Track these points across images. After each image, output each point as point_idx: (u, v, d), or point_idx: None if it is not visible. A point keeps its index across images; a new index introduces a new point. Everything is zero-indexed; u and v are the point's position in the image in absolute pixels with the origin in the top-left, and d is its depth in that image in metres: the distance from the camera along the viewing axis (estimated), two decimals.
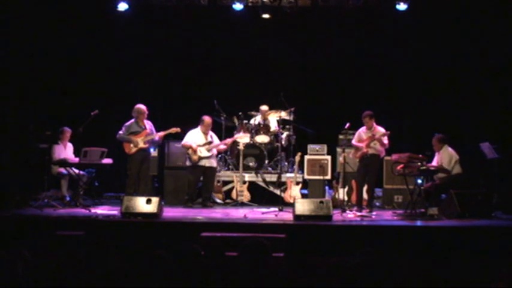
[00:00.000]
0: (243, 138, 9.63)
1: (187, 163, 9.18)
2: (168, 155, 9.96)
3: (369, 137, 8.67)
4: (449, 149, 8.52)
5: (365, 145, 8.64)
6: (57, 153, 8.95)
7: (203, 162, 9.10)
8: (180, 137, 9.43)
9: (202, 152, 9.10)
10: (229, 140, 9.52)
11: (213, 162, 9.26)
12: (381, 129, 8.69)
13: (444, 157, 8.48)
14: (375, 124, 8.72)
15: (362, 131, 8.83)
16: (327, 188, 9.69)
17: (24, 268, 3.40)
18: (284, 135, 9.86)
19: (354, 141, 8.90)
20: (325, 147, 9.68)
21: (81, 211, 8.22)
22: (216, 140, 9.38)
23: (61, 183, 9.08)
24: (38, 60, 9.96)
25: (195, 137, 9.19)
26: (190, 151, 9.09)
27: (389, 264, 3.53)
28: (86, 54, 10.50)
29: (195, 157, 9.06)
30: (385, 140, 8.61)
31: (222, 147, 9.48)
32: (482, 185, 9.06)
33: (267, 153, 9.84)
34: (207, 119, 9.25)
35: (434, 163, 8.61)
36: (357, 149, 8.79)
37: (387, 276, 3.48)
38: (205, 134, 9.24)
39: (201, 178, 9.24)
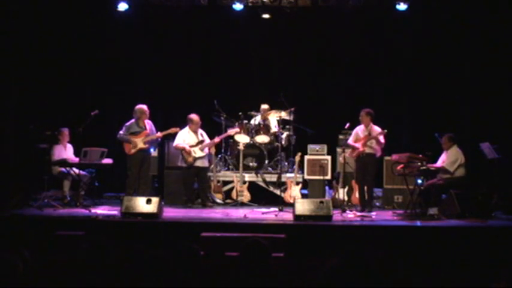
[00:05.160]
0: (233, 133, 9.59)
1: (181, 164, 9.16)
2: (168, 155, 9.96)
3: (365, 136, 8.68)
4: (458, 149, 8.48)
5: (362, 144, 8.64)
6: (57, 153, 8.94)
7: (197, 163, 9.10)
8: None
9: (197, 152, 9.10)
10: (218, 138, 9.47)
11: (206, 162, 9.25)
12: (377, 129, 8.71)
13: (450, 156, 8.45)
14: (371, 123, 8.73)
15: (359, 130, 8.83)
16: (327, 188, 9.69)
17: (25, 268, 3.40)
18: (284, 135, 9.86)
19: (350, 141, 8.86)
20: (325, 147, 9.67)
21: (81, 211, 8.23)
22: (206, 138, 9.36)
23: (63, 183, 9.06)
24: (38, 60, 9.96)
25: (186, 138, 9.14)
26: (184, 153, 9.08)
27: (387, 264, 3.53)
28: (86, 54, 10.50)
29: (190, 159, 9.05)
30: (382, 139, 8.62)
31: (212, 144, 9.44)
32: (482, 185, 9.06)
33: (267, 153, 9.83)
34: (195, 117, 9.21)
35: (440, 162, 8.59)
36: (354, 148, 8.79)
37: (387, 276, 3.48)
38: (195, 132, 9.22)
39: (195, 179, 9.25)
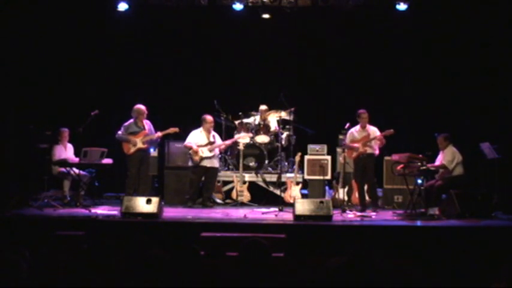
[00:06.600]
0: (244, 138, 9.63)
1: (189, 163, 9.19)
2: (168, 155, 9.95)
3: (364, 136, 8.69)
4: (454, 148, 8.49)
5: (362, 144, 8.64)
6: (58, 153, 8.95)
7: (205, 163, 9.11)
8: (180, 137, 9.43)
9: (204, 152, 9.11)
10: (230, 141, 9.53)
11: (215, 163, 9.26)
12: (374, 129, 8.72)
13: (447, 155, 8.46)
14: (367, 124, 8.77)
15: (355, 131, 8.83)
16: (327, 188, 9.69)
17: (27, 268, 3.40)
18: (284, 135, 9.86)
19: (347, 142, 8.83)
20: (325, 147, 9.67)
21: (81, 211, 8.23)
22: (218, 140, 9.38)
23: (64, 183, 9.07)
24: (38, 60, 9.96)
25: (197, 138, 9.19)
26: (191, 152, 9.10)
27: (388, 264, 3.53)
28: (86, 54, 10.50)
29: (196, 158, 9.08)
30: (384, 139, 8.65)
31: (223, 146, 9.47)
32: (482, 185, 9.05)
33: (267, 153, 9.83)
34: (208, 117, 9.27)
35: (437, 162, 8.59)
36: (352, 149, 8.78)
37: (387, 276, 3.48)
38: (208, 133, 9.24)
39: (202, 178, 9.25)
